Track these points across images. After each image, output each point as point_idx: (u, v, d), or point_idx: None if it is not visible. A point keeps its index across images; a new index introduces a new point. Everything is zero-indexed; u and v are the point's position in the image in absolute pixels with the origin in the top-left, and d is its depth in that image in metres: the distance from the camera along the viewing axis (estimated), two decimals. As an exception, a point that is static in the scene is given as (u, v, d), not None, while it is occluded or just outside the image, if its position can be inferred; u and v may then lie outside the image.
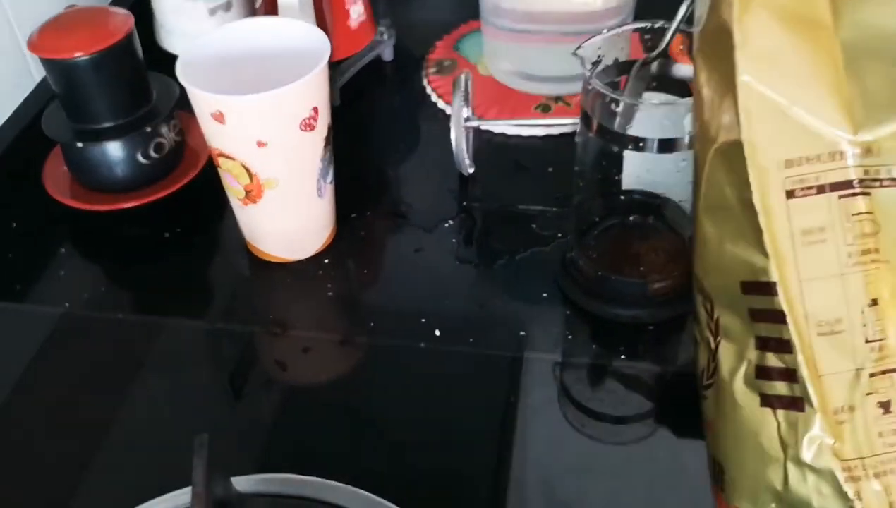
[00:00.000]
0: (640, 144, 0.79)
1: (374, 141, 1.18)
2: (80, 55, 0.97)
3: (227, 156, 0.89)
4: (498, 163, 1.12)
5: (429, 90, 1.24)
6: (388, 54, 1.30)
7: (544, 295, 0.93)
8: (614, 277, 0.88)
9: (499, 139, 1.15)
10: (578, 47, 0.81)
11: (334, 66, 1.20)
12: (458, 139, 1.02)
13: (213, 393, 0.89)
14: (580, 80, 0.81)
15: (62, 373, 0.91)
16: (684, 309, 0.88)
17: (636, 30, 0.84)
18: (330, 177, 0.96)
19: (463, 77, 1.03)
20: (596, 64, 0.83)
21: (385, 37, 1.28)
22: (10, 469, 0.82)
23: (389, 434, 0.83)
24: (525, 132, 1.15)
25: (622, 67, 0.84)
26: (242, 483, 0.72)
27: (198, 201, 1.07)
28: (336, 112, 1.09)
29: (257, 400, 0.87)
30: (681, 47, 0.82)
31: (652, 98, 0.83)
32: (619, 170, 0.89)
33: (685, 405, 0.82)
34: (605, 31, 0.82)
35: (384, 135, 1.20)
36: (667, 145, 0.78)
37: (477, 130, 1.12)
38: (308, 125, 0.88)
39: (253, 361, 0.92)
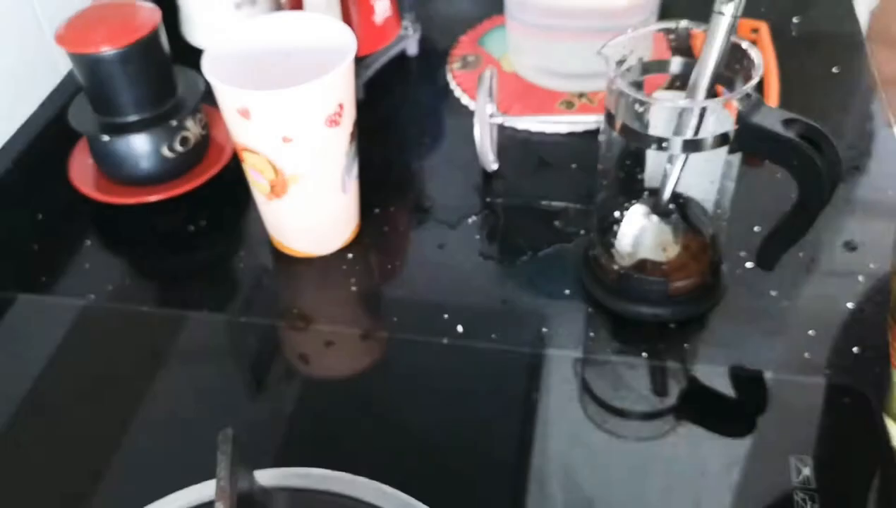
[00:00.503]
0: (664, 144, 0.79)
1: (397, 136, 1.19)
2: (106, 49, 0.97)
3: (252, 152, 0.89)
4: (522, 160, 1.12)
5: (452, 85, 1.24)
6: (412, 49, 1.31)
7: (566, 291, 0.94)
8: (636, 275, 0.89)
9: (522, 135, 1.15)
10: (603, 46, 0.81)
11: (359, 62, 1.20)
12: (482, 135, 1.03)
13: (236, 386, 0.89)
14: (604, 76, 0.81)
15: (86, 365, 0.91)
16: (705, 308, 0.89)
17: (660, 30, 0.84)
18: (354, 172, 0.96)
19: (488, 73, 1.03)
20: (621, 63, 0.83)
21: (410, 32, 1.28)
22: (33, 459, 0.83)
23: (411, 429, 0.83)
24: (549, 129, 1.15)
25: (647, 67, 0.84)
26: (265, 477, 0.72)
27: (222, 195, 1.07)
28: (360, 107, 1.09)
29: (280, 393, 0.88)
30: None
31: (676, 99, 0.83)
32: (643, 169, 0.89)
33: (706, 403, 0.83)
34: (629, 30, 0.82)
35: (408, 131, 1.20)
36: (690, 145, 0.78)
37: (501, 127, 1.12)
38: (333, 121, 0.88)
39: (276, 355, 0.92)
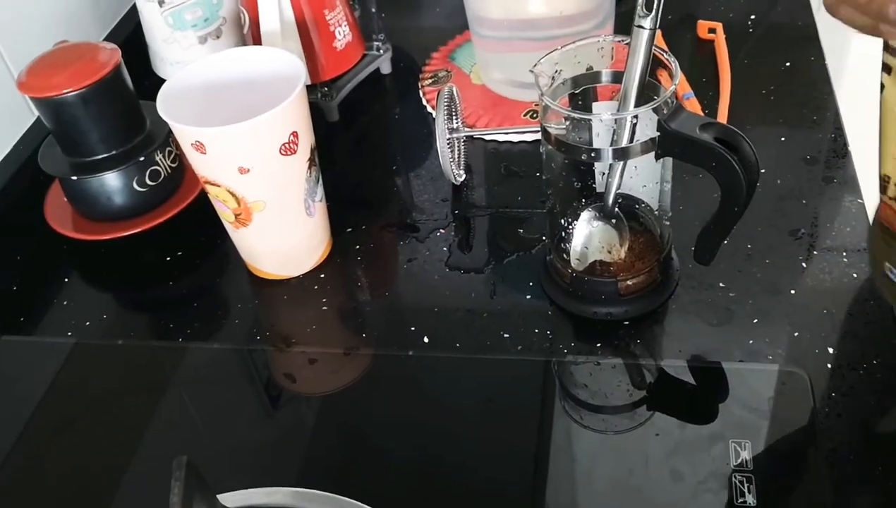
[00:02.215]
0: (593, 155, 0.81)
1: (371, 154, 1.21)
2: (68, 91, 0.99)
3: (213, 183, 0.92)
4: (489, 170, 1.15)
5: (424, 101, 1.27)
6: (385, 67, 1.33)
7: (528, 296, 0.96)
8: (587, 277, 0.91)
9: (491, 146, 1.18)
10: (535, 64, 0.84)
11: (330, 84, 1.22)
12: (442, 151, 1.05)
13: (224, 410, 0.92)
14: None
15: (70, 403, 0.94)
16: (656, 305, 0.91)
17: (587, 44, 0.87)
18: (319, 195, 0.99)
19: (447, 90, 1.05)
20: (555, 77, 0.85)
21: (381, 51, 1.30)
22: (28, 500, 0.86)
23: (380, 444, 0.86)
24: (515, 138, 1.17)
25: (583, 79, 0.87)
26: (233, 499, 0.74)
27: (197, 223, 1.09)
28: (335, 127, 1.12)
29: (257, 416, 0.91)
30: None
31: (602, 112, 0.85)
32: (583, 177, 0.92)
33: (654, 394, 0.85)
34: (559, 46, 0.85)
35: (381, 148, 1.23)
36: (619, 153, 0.81)
37: (470, 138, 1.15)
38: (288, 149, 0.91)
39: (256, 377, 0.95)
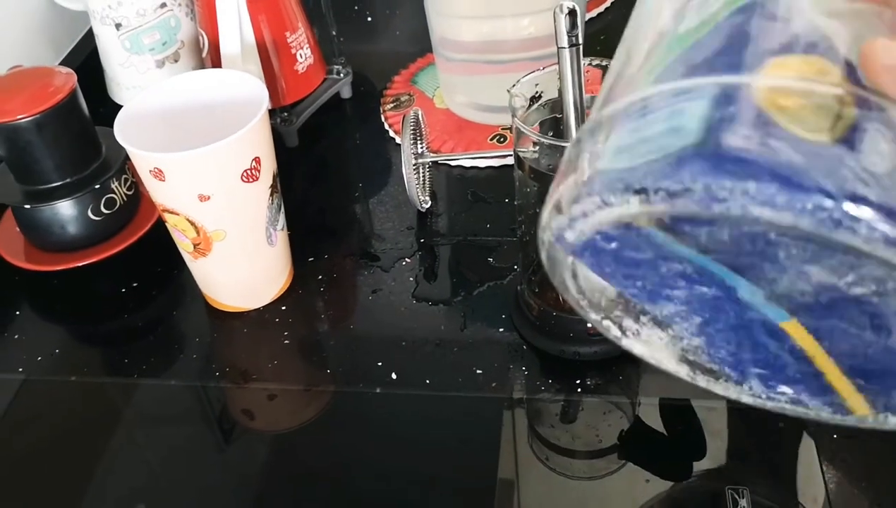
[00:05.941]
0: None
1: (333, 181, 1.18)
2: (22, 117, 0.96)
3: (171, 212, 0.89)
4: (456, 197, 1.12)
5: (386, 126, 1.24)
6: (346, 92, 1.30)
7: (500, 329, 0.93)
8: (556, 313, 0.88)
9: (457, 171, 1.15)
10: (514, 85, 0.80)
11: (290, 109, 1.19)
12: (409, 177, 1.02)
13: (179, 450, 0.88)
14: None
15: (16, 444, 0.90)
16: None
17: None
18: (280, 224, 0.96)
19: (412, 114, 1.03)
20: (536, 99, 0.82)
21: (341, 75, 1.28)
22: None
23: (348, 486, 0.82)
24: (482, 163, 1.14)
25: (557, 104, 0.83)
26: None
27: (154, 253, 1.06)
28: (295, 153, 1.08)
29: (215, 455, 0.87)
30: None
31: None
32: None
33: (641, 437, 0.82)
34: (541, 67, 0.82)
35: (343, 175, 1.20)
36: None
37: (435, 164, 1.12)
38: (250, 176, 0.87)
39: (214, 415, 0.91)
